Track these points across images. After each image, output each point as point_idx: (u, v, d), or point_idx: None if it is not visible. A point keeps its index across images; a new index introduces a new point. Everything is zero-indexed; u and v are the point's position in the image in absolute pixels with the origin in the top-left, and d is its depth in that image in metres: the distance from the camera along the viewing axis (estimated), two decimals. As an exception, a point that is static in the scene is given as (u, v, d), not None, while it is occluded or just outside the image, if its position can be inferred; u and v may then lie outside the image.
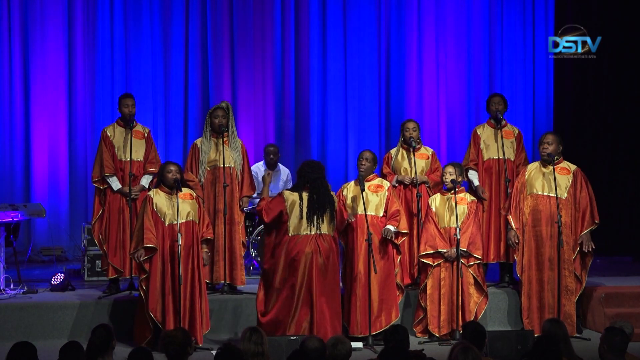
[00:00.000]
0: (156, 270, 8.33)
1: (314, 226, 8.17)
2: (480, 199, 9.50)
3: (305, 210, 8.17)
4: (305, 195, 8.23)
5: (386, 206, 8.80)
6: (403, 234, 8.84)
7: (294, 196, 8.23)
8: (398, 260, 8.86)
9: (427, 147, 9.76)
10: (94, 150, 11.59)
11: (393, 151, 9.71)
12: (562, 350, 5.87)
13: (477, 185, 9.59)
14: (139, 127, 9.51)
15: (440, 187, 9.32)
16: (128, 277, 9.26)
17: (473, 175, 9.65)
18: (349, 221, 8.61)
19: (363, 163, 8.90)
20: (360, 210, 8.66)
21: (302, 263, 8.11)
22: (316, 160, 8.76)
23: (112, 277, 9.29)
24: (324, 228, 8.20)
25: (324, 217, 8.21)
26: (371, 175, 8.93)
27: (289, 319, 8.11)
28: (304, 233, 8.17)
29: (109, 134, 9.41)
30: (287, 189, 8.46)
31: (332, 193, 8.38)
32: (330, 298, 8.19)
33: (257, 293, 8.31)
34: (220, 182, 9.24)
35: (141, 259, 8.29)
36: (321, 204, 8.20)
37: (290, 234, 8.17)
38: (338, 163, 12.43)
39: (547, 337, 5.98)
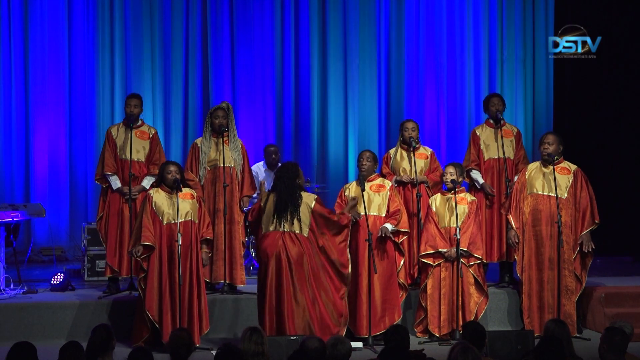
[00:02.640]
0: (154, 269, 8.34)
1: (279, 224, 8.23)
2: (488, 195, 9.53)
3: (272, 208, 8.28)
4: (272, 195, 8.36)
5: (388, 206, 8.81)
6: (403, 233, 8.84)
7: (265, 196, 8.41)
8: (402, 262, 8.86)
9: (426, 147, 9.76)
10: (94, 150, 11.63)
11: (392, 151, 9.71)
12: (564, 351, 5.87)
13: (482, 183, 9.61)
14: (144, 128, 9.52)
15: (440, 187, 9.33)
16: (126, 276, 9.27)
17: (477, 175, 9.65)
18: (356, 219, 8.61)
19: (364, 163, 8.90)
20: (361, 210, 8.66)
21: (269, 259, 8.22)
22: (291, 161, 8.82)
23: (110, 276, 9.30)
24: (289, 226, 8.26)
25: (288, 216, 8.26)
26: (373, 175, 8.94)
27: (264, 315, 8.19)
28: (271, 230, 8.27)
29: (113, 133, 9.44)
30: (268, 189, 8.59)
31: (307, 195, 8.39)
32: (299, 296, 8.21)
33: None
34: (220, 182, 9.24)
35: (138, 254, 8.30)
36: (283, 202, 8.29)
37: (262, 232, 8.34)
38: (338, 163, 12.42)
39: (552, 337, 5.98)
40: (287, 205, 8.28)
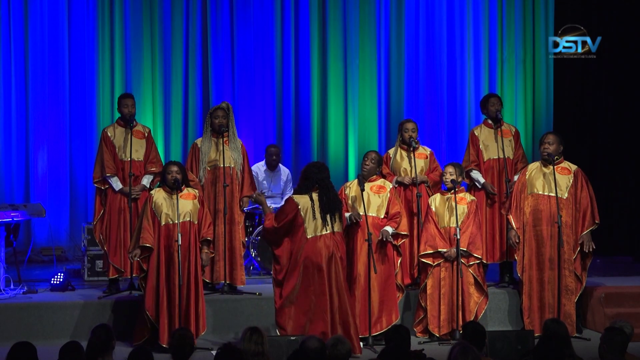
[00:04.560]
0: (153, 269, 8.35)
1: (328, 225, 8.17)
2: (490, 194, 9.52)
3: (318, 210, 8.17)
4: (315, 196, 8.22)
5: (387, 207, 8.79)
6: (403, 236, 8.83)
7: (305, 199, 8.20)
8: (399, 262, 8.86)
9: (425, 147, 9.76)
10: (94, 151, 11.61)
11: (391, 151, 9.69)
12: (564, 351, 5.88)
13: (483, 183, 9.60)
14: (139, 127, 9.51)
15: (439, 186, 9.33)
16: (128, 277, 9.27)
17: (477, 175, 9.64)
18: (356, 220, 8.60)
19: (367, 163, 8.87)
20: (360, 210, 8.65)
21: (324, 263, 8.10)
22: (320, 162, 8.79)
23: (113, 277, 9.30)
24: (337, 226, 8.22)
25: (336, 216, 8.21)
26: (374, 176, 8.93)
27: (316, 319, 8.10)
28: (321, 233, 8.16)
29: (109, 134, 9.41)
30: (294, 194, 8.42)
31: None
32: (347, 296, 8.22)
33: (277, 304, 8.21)
34: (220, 182, 9.24)
35: (136, 258, 8.31)
36: (332, 203, 8.21)
37: (308, 237, 8.14)
38: (338, 163, 12.42)
39: (552, 336, 5.98)
40: (336, 207, 8.23)
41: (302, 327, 8.06)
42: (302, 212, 8.15)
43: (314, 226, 8.15)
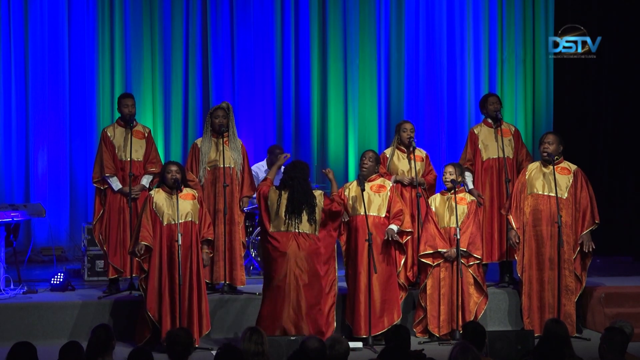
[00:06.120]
0: (154, 269, 8.35)
1: (292, 224, 8.20)
2: (477, 200, 9.51)
3: (282, 208, 8.22)
4: (284, 193, 8.27)
5: (388, 206, 8.79)
6: (407, 233, 8.83)
7: (275, 194, 8.31)
8: (402, 261, 8.86)
9: (421, 150, 9.73)
10: (94, 151, 11.63)
11: (388, 152, 9.64)
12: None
13: (471, 189, 9.55)
14: (139, 127, 9.51)
15: (434, 189, 9.34)
16: (128, 277, 9.27)
17: (468, 177, 9.60)
18: (343, 220, 8.62)
19: (365, 162, 8.88)
20: (361, 210, 8.66)
21: (279, 260, 8.16)
22: (302, 161, 8.78)
23: (112, 277, 9.30)
24: (304, 227, 8.23)
25: (302, 217, 8.22)
26: (373, 175, 8.93)
27: (274, 315, 8.17)
28: (283, 230, 8.21)
29: (109, 134, 9.41)
30: (274, 186, 8.52)
31: (318, 193, 8.38)
32: (310, 296, 8.20)
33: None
34: (220, 182, 9.24)
35: (142, 251, 8.29)
36: (297, 203, 8.22)
37: (270, 231, 8.25)
38: (338, 163, 12.43)
39: (552, 337, 5.98)
40: (301, 207, 8.24)
41: (268, 318, 8.20)
42: (270, 205, 8.29)
43: (277, 222, 8.24)
